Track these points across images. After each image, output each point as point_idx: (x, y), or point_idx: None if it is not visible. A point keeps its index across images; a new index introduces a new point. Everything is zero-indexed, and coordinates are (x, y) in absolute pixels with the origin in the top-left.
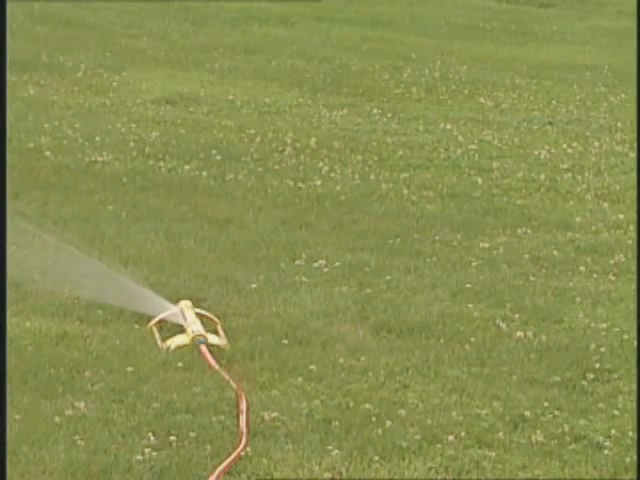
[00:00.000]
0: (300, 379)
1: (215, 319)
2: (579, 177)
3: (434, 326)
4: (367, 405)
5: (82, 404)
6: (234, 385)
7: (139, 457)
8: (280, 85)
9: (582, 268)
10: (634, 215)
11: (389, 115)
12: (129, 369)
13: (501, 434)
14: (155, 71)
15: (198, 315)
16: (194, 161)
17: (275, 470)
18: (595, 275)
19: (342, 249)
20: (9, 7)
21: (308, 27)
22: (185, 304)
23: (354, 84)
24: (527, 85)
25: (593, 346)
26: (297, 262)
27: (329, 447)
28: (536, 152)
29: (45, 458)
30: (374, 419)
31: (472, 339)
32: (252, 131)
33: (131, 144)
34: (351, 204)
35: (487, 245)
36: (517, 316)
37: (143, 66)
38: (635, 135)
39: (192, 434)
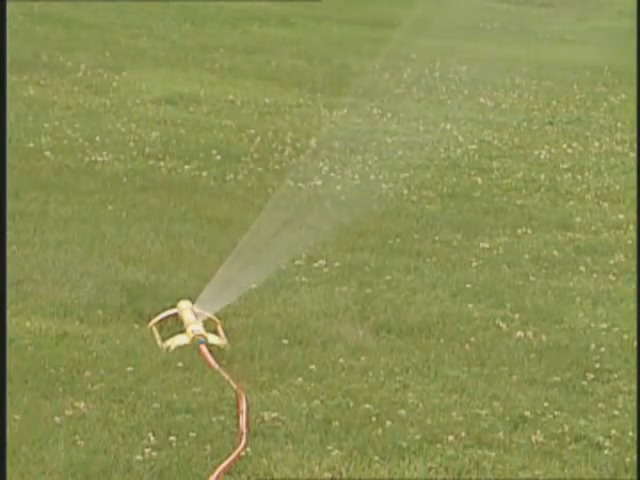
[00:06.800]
0: (300, 379)
1: (215, 319)
2: (579, 177)
3: (434, 326)
4: (367, 405)
5: (82, 404)
6: (234, 385)
7: (139, 457)
8: (280, 85)
9: (582, 268)
10: (634, 215)
11: (389, 115)
12: (129, 369)
13: (501, 434)
14: (155, 71)
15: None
16: (194, 161)
17: (275, 470)
18: (595, 275)
19: (342, 249)
20: (9, 7)
21: (308, 27)
22: (185, 304)
23: (354, 84)
24: (527, 85)
25: (593, 346)
26: (297, 262)
27: (329, 447)
28: (536, 152)
29: (45, 458)
30: (374, 419)
31: (472, 339)
32: (252, 131)
33: (131, 144)
34: (351, 204)
35: (487, 245)
36: (517, 316)
37: (143, 66)
38: (635, 135)
39: (192, 434)
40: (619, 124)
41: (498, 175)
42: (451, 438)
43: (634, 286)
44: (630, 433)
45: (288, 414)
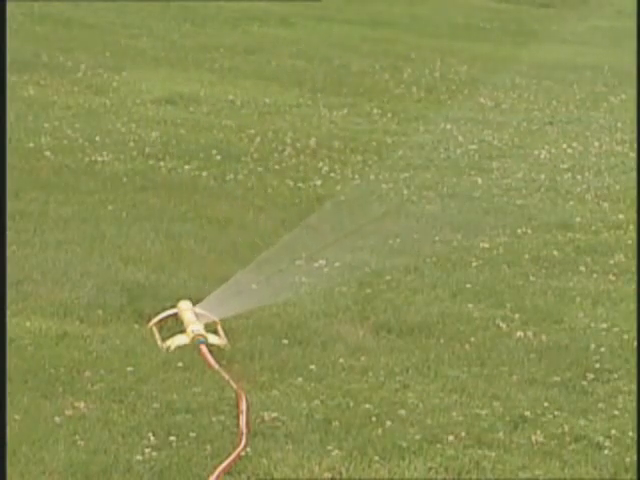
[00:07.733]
0: (300, 379)
1: (215, 319)
2: (579, 177)
3: (434, 326)
4: (367, 405)
5: (82, 404)
6: (234, 385)
7: (139, 457)
8: (280, 85)
9: (582, 268)
10: (634, 215)
11: (389, 115)
12: (129, 369)
13: (501, 434)
14: (155, 71)
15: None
16: (194, 161)
17: (275, 470)
18: (595, 275)
19: (342, 249)
20: (9, 7)
21: (308, 27)
22: (185, 304)
23: (354, 84)
24: (527, 85)
25: (593, 346)
26: (297, 262)
27: (329, 447)
28: (536, 152)
29: (45, 458)
30: (374, 419)
31: (472, 339)
32: (252, 131)
33: (131, 144)
34: (351, 204)
35: (487, 245)
36: (517, 316)
37: (143, 66)
38: (635, 135)
39: (192, 434)
40: (619, 124)
41: (498, 175)
42: (451, 438)
43: (634, 286)
44: (630, 433)
45: (288, 414)
